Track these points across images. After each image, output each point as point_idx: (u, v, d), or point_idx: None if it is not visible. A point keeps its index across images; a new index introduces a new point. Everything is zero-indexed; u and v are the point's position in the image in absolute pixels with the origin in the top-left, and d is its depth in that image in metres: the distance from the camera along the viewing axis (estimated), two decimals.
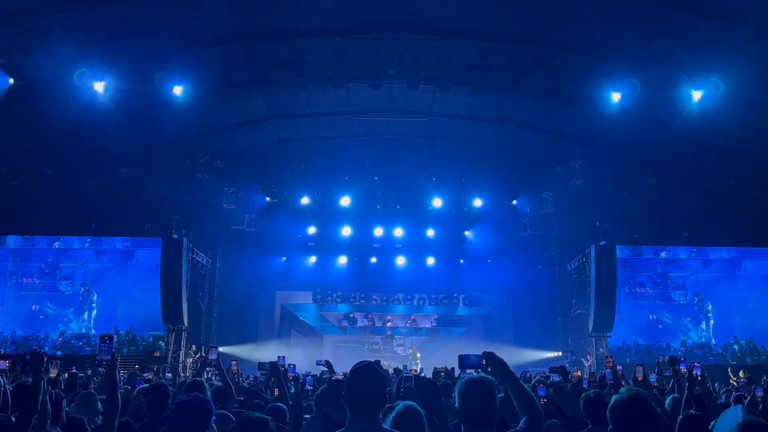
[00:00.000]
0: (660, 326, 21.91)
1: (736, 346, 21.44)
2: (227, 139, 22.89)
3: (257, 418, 3.18)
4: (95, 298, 21.49)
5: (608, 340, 21.25)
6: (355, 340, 27.39)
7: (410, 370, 11.41)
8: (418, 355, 24.49)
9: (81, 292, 21.49)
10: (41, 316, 21.43)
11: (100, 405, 5.76)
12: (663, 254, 22.42)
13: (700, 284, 22.13)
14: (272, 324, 27.87)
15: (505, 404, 4.10)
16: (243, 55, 16.90)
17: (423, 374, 10.63)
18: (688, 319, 22.02)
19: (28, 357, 4.39)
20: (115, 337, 20.76)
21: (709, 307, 21.93)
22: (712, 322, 21.85)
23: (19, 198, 20.72)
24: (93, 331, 21.17)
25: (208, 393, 4.93)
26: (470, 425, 3.35)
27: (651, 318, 21.94)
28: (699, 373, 6.13)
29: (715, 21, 14.61)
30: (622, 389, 3.30)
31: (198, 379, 5.85)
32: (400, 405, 3.55)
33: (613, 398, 3.27)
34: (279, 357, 7.41)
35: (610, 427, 3.21)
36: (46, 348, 20.42)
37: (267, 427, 3.15)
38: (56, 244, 21.93)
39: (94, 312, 21.44)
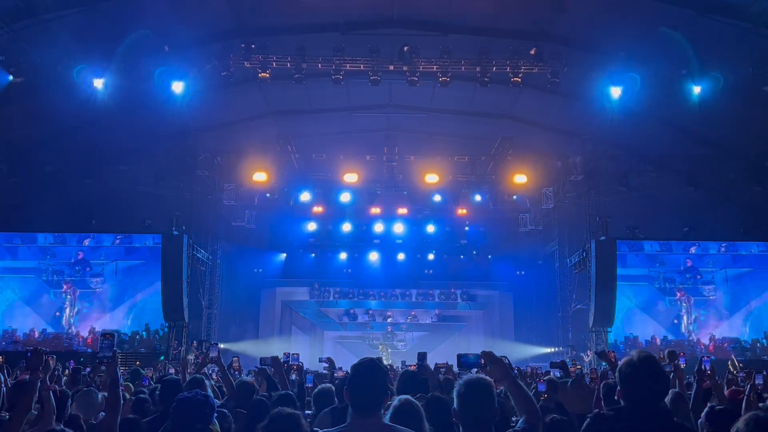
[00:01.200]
0: (689, 320, 21.87)
1: (765, 341, 21.39)
2: (227, 135, 22.86)
3: (288, 414, 3.18)
4: (77, 294, 21.42)
5: (639, 336, 21.27)
6: (355, 336, 27.42)
7: (409, 366, 11.44)
8: (389, 350, 24.54)
9: (63, 290, 21.41)
10: (71, 313, 21.43)
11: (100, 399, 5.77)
12: (693, 249, 22.36)
13: (730, 279, 22.07)
14: (273, 320, 27.89)
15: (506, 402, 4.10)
16: (242, 51, 16.88)
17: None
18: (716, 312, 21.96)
19: (29, 355, 4.40)
20: (144, 334, 20.81)
21: (691, 301, 21.90)
22: (693, 317, 21.82)
23: (18, 195, 20.72)
24: (73, 329, 21.07)
25: (209, 389, 4.95)
26: (468, 426, 3.35)
27: (680, 313, 21.91)
28: (708, 367, 6.17)
29: (714, 15, 14.61)
30: (632, 352, 3.35)
31: (198, 375, 5.86)
32: (395, 400, 3.56)
33: (623, 360, 3.33)
34: (285, 354, 7.42)
35: (619, 388, 3.27)
36: (75, 346, 20.45)
37: (298, 423, 3.15)
38: (86, 242, 21.88)
39: (76, 309, 21.38)
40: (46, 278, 21.50)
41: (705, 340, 21.39)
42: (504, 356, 5.51)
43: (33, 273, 21.52)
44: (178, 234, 20.70)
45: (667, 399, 5.85)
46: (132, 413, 5.58)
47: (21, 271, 21.52)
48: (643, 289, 22.01)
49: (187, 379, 5.91)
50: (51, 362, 6.55)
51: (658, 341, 21.37)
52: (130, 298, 21.58)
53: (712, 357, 16.85)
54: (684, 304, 21.91)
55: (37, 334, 20.86)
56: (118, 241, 21.91)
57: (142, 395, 6.15)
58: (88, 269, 21.70)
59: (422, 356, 5.86)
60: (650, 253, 22.17)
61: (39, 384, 4.26)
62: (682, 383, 6.76)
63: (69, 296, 21.43)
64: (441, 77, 17.31)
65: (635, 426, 3.13)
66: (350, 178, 23.03)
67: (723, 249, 22.28)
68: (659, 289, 22.07)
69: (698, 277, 22.12)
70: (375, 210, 25.12)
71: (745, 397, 6.01)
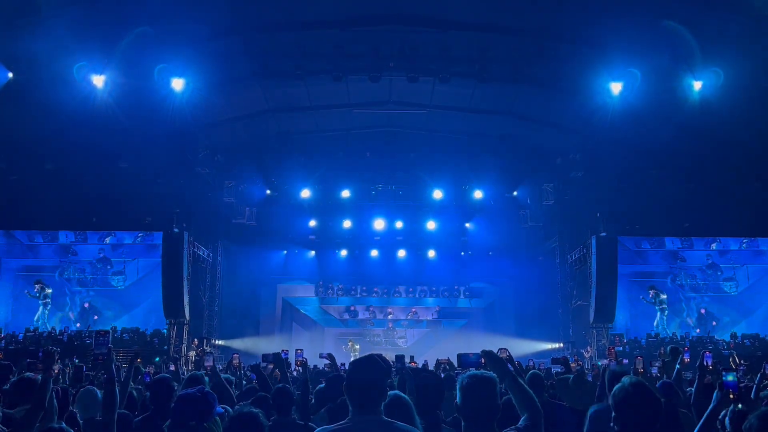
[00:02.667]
0: (711, 317, 21.81)
1: None
2: (227, 132, 22.86)
3: (247, 414, 3.23)
4: (49, 292, 21.39)
5: (662, 332, 21.25)
6: (356, 332, 27.44)
7: (411, 363, 11.45)
8: (357, 347, 24.50)
9: (36, 289, 21.36)
10: (93, 311, 21.44)
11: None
12: (713, 246, 22.34)
13: (752, 275, 22.03)
14: (273, 317, 27.92)
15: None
16: (243, 48, 16.86)
17: None
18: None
19: (41, 355, 4.44)
20: (165, 332, 20.82)
21: (663, 297, 21.86)
22: (666, 313, 21.78)
23: (19, 193, 20.71)
24: (48, 326, 21.02)
25: (208, 387, 4.96)
26: (471, 421, 3.35)
27: (701, 311, 21.86)
28: (709, 363, 6.15)
29: (714, 10, 14.57)
30: (624, 378, 3.36)
31: (198, 373, 5.86)
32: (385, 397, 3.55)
33: (616, 387, 3.35)
34: (283, 351, 7.41)
35: (613, 414, 3.28)
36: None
37: (257, 422, 3.19)
38: (107, 240, 21.89)
39: (48, 307, 21.33)
40: (68, 276, 21.53)
41: (726, 336, 21.30)
42: (504, 348, 5.51)
43: (55, 271, 21.55)
44: (179, 231, 20.70)
45: (658, 385, 5.86)
46: (140, 411, 5.59)
47: (43, 270, 21.55)
48: (664, 286, 21.98)
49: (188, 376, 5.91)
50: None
51: (680, 337, 21.35)
52: (152, 295, 21.53)
53: (734, 352, 16.83)
54: (655, 301, 21.91)
55: (57, 332, 20.86)
56: (139, 239, 21.89)
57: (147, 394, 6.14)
58: (109, 267, 21.70)
59: (399, 359, 5.83)
60: (672, 249, 22.17)
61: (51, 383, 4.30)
62: (672, 376, 6.75)
63: (42, 295, 21.41)
64: (441, 74, 17.29)
65: None
66: (350, 175, 23.04)
67: (744, 245, 22.25)
68: (681, 286, 22.05)
69: (719, 273, 22.09)
70: (375, 207, 25.13)
71: (755, 387, 6.01)
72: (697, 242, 22.40)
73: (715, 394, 3.82)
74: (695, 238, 22.38)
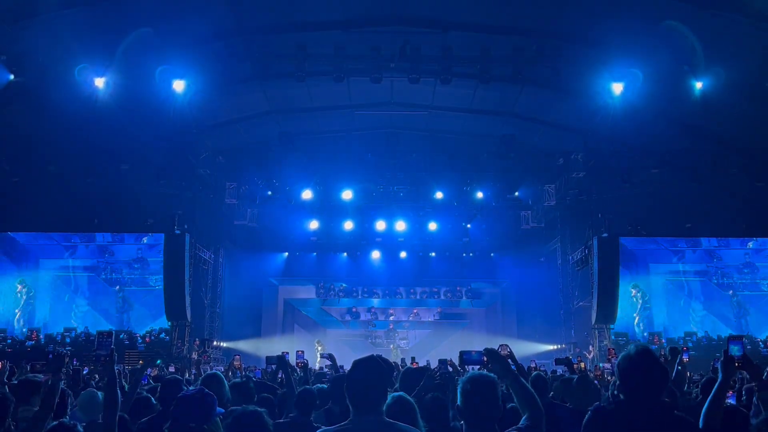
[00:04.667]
0: (748, 317, 21.71)
1: None
2: (229, 134, 22.86)
3: (251, 412, 3.22)
4: (32, 294, 21.34)
5: (697, 331, 21.20)
6: (358, 334, 27.44)
7: (412, 363, 11.43)
8: (324, 346, 24.45)
9: (18, 289, 21.32)
10: (130, 310, 21.44)
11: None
12: (750, 244, 22.26)
13: None
14: (275, 319, 27.93)
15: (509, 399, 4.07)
16: (244, 50, 16.87)
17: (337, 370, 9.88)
18: None
19: (50, 356, 4.46)
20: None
21: (647, 297, 21.82)
22: (646, 312, 21.75)
23: (20, 194, 20.73)
24: (23, 324, 20.95)
25: (226, 386, 4.98)
26: (472, 423, 3.33)
27: (738, 309, 21.78)
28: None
29: (715, 10, 14.55)
30: (630, 346, 3.34)
31: (217, 372, 5.84)
32: (389, 398, 3.54)
33: (621, 354, 3.34)
34: (283, 352, 7.41)
35: (618, 382, 3.28)
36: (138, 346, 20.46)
37: (262, 421, 3.18)
38: (144, 240, 21.89)
39: (30, 308, 21.29)
40: (105, 277, 21.55)
41: (761, 336, 21.14)
42: (505, 344, 5.49)
43: (92, 272, 21.59)
44: (180, 233, 20.70)
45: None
46: (130, 413, 5.56)
47: (80, 270, 21.60)
48: (700, 285, 21.93)
49: (191, 377, 5.89)
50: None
51: (716, 337, 21.19)
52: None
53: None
54: (638, 300, 21.86)
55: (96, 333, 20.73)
56: None
57: (143, 394, 6.12)
58: (146, 267, 21.71)
59: (443, 362, 5.91)
60: (708, 248, 22.10)
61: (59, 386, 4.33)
62: (683, 380, 6.67)
63: (24, 296, 21.36)
64: (442, 75, 17.28)
65: (635, 419, 3.12)
66: (351, 176, 23.04)
67: None
68: (717, 285, 21.98)
69: (756, 271, 22.01)
70: (376, 208, 25.13)
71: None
72: (733, 241, 22.30)
73: (719, 365, 3.82)
74: (732, 238, 22.23)
